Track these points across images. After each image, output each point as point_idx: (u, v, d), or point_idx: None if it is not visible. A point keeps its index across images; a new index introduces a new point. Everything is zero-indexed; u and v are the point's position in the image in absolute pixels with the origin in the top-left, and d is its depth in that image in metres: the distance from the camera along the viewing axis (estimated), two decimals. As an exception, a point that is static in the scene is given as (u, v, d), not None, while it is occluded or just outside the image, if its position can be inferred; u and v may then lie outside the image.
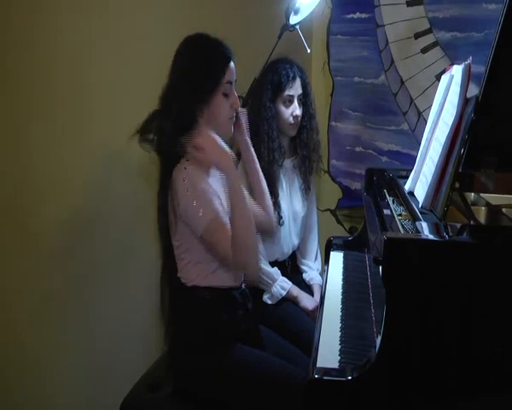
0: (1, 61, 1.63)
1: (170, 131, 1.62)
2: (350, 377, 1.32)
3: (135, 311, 2.21)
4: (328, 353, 1.51)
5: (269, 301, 2.24)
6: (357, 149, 3.09)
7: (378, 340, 1.33)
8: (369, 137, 3.03)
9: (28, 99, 1.73)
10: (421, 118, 2.77)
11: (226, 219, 1.63)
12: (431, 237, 1.37)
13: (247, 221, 1.61)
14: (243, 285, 1.83)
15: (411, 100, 2.84)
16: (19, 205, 1.74)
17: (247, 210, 1.63)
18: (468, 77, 1.60)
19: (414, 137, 2.79)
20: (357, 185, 3.08)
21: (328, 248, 2.33)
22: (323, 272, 2.19)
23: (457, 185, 1.70)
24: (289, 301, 2.25)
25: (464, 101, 1.58)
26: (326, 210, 3.24)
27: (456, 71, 1.68)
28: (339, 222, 3.23)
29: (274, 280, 2.25)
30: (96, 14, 1.90)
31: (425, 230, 1.42)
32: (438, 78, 2.62)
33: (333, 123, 3.17)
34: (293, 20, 2.35)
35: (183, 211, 1.62)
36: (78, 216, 1.94)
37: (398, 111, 2.89)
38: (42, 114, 1.78)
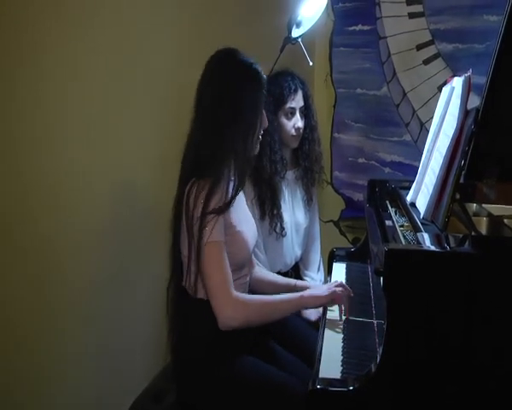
0: (11, 64, 1.65)
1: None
2: (352, 388, 1.32)
3: (139, 321, 2.22)
4: (331, 363, 1.51)
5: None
6: (360, 160, 3.10)
7: (379, 350, 1.34)
8: (371, 148, 3.04)
9: (39, 102, 1.74)
10: (424, 129, 2.78)
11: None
12: (432, 248, 1.38)
13: (271, 318, 1.73)
14: None
15: (413, 111, 2.85)
16: (29, 208, 1.75)
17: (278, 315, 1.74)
18: (468, 89, 1.61)
19: (416, 148, 2.80)
20: (359, 196, 3.08)
21: (330, 259, 2.33)
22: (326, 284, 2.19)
23: (458, 196, 1.70)
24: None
25: (464, 113, 1.60)
26: (329, 221, 3.25)
27: (457, 83, 1.70)
28: (342, 233, 3.23)
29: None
30: (102, 23, 1.92)
31: (426, 241, 1.42)
32: (440, 89, 2.60)
33: (335, 134, 3.18)
34: (296, 33, 2.37)
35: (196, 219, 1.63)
36: (88, 222, 1.95)
37: (401, 122, 2.90)
38: (53, 119, 1.80)
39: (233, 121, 1.67)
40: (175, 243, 1.72)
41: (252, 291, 2.05)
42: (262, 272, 2.04)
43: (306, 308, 1.73)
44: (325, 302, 1.79)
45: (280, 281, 2.05)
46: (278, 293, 1.90)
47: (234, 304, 1.63)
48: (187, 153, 1.72)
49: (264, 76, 1.74)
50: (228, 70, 1.71)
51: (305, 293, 1.76)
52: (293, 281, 2.06)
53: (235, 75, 1.70)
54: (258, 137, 1.76)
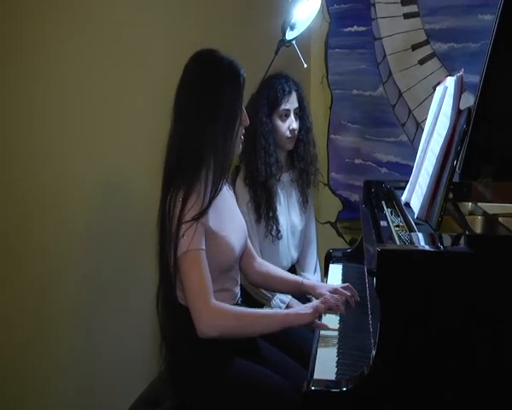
0: (5, 64, 1.65)
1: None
2: (345, 389, 1.32)
3: (137, 326, 2.22)
4: (326, 364, 1.51)
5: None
6: (357, 161, 3.10)
7: (373, 351, 1.34)
8: (368, 149, 3.03)
9: (34, 109, 1.75)
10: (420, 129, 2.77)
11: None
12: (424, 247, 1.37)
13: (252, 331, 1.67)
14: (239, 300, 1.82)
15: (410, 111, 2.85)
16: (24, 214, 1.75)
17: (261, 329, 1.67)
18: (460, 88, 1.61)
19: (413, 148, 2.79)
20: (356, 197, 3.07)
21: (327, 260, 2.33)
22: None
23: (451, 196, 1.70)
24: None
25: (457, 112, 1.60)
26: (326, 223, 3.24)
27: (450, 82, 1.70)
28: (339, 234, 3.23)
29: (273, 294, 2.26)
30: (99, 24, 1.93)
31: (419, 241, 1.42)
32: (435, 88, 2.63)
33: (332, 136, 3.17)
34: (290, 35, 2.38)
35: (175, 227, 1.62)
36: (85, 227, 1.96)
37: (397, 122, 2.90)
38: (48, 124, 1.80)
39: (212, 121, 1.63)
40: (162, 249, 1.69)
41: (258, 286, 2.10)
42: (269, 267, 1.97)
43: (291, 327, 1.66)
44: (310, 320, 1.67)
45: (289, 278, 1.98)
46: (286, 290, 1.93)
47: (212, 312, 1.59)
48: (168, 157, 1.69)
49: (244, 73, 1.69)
50: (204, 69, 1.68)
51: (291, 311, 1.71)
52: (300, 279, 1.98)
53: (211, 73, 1.66)
54: (240, 137, 1.73)
